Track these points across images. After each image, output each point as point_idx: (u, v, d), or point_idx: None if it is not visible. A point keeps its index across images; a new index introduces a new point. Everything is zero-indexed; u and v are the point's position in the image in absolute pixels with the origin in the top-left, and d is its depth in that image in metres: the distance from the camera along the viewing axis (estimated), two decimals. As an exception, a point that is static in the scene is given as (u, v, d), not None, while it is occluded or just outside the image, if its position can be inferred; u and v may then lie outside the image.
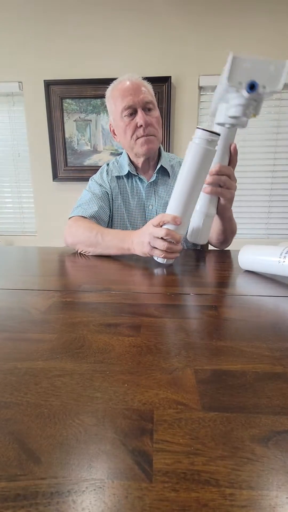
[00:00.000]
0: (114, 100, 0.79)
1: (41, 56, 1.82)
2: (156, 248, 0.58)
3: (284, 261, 0.47)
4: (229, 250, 0.77)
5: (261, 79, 0.39)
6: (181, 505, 0.14)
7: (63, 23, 1.77)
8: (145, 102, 0.77)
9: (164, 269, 0.58)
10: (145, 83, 0.81)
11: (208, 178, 0.60)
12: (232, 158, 0.61)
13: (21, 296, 0.42)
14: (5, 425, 0.18)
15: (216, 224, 0.75)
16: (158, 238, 0.57)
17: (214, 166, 0.58)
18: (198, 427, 0.18)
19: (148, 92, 0.79)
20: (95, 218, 0.82)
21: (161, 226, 0.57)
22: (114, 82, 0.81)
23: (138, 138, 0.79)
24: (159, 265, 0.61)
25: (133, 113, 0.77)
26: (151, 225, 0.58)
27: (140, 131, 0.78)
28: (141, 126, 0.76)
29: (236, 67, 0.40)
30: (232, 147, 0.60)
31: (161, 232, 0.56)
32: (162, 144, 0.92)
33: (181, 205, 0.56)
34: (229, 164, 0.62)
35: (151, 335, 0.30)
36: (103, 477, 0.15)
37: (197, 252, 0.78)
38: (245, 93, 0.40)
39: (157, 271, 0.57)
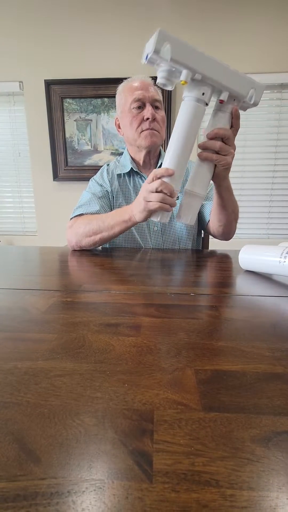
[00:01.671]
0: (125, 94, 0.83)
1: (42, 56, 1.82)
2: (151, 201, 0.59)
3: (284, 261, 0.47)
4: (229, 250, 0.77)
5: (148, 50, 0.48)
6: (182, 506, 0.14)
7: (64, 23, 1.77)
8: (154, 98, 0.81)
9: (164, 269, 0.58)
10: (156, 87, 0.85)
11: (202, 142, 0.58)
12: (233, 122, 0.58)
13: (21, 295, 0.42)
14: (5, 425, 0.18)
15: (215, 202, 0.73)
16: (152, 192, 0.58)
17: (211, 130, 0.57)
18: (199, 428, 0.18)
19: (157, 93, 0.83)
20: None
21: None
22: (127, 79, 0.85)
23: (143, 131, 0.81)
24: (159, 264, 0.61)
25: (141, 106, 0.80)
26: (146, 183, 0.60)
27: (146, 124, 0.80)
28: (147, 119, 0.79)
29: (144, 52, 0.51)
30: (233, 110, 0.57)
31: (154, 184, 0.57)
32: (163, 144, 0.93)
33: (174, 158, 0.56)
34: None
35: (151, 335, 0.30)
36: (103, 478, 0.15)
37: (197, 252, 0.78)
38: (144, 62, 0.50)
39: (157, 270, 0.57)
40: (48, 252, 0.78)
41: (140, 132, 0.82)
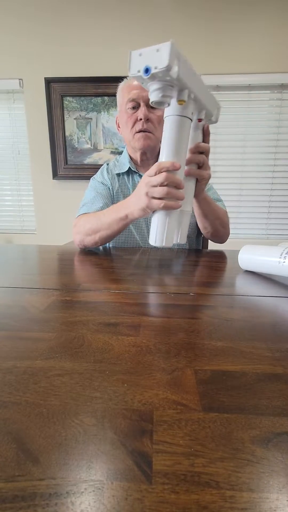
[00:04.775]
0: (123, 93, 0.82)
1: (42, 53, 1.81)
2: (155, 198, 0.52)
3: (284, 262, 0.47)
4: (228, 250, 0.77)
5: (152, 63, 0.44)
6: (181, 507, 0.13)
7: (64, 20, 1.76)
8: (149, 98, 0.77)
9: (164, 269, 0.57)
10: None
11: (188, 156, 0.57)
12: (205, 139, 0.58)
13: (20, 294, 0.42)
14: (3, 424, 0.18)
15: (196, 212, 0.75)
16: (156, 186, 0.51)
17: (190, 145, 0.56)
18: (198, 428, 0.18)
19: None
20: None
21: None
22: (128, 77, 0.83)
23: (137, 132, 0.81)
24: (158, 264, 0.60)
25: (136, 106, 0.79)
26: (147, 175, 0.53)
27: (139, 125, 0.79)
28: (140, 119, 0.78)
29: (133, 60, 0.46)
30: (205, 127, 0.58)
31: (159, 178, 0.50)
32: None
33: (172, 154, 0.51)
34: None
35: (150, 335, 0.30)
36: (102, 478, 0.15)
37: (197, 252, 0.78)
38: (145, 77, 0.45)
39: (157, 270, 0.57)
40: (47, 250, 0.78)
41: (134, 133, 0.81)
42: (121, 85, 0.84)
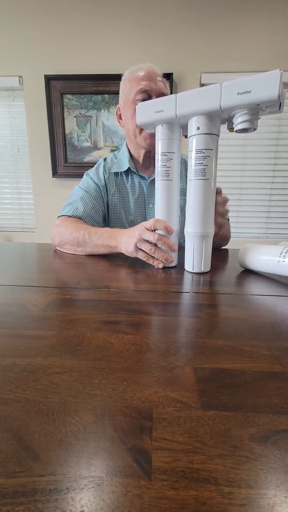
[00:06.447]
0: (130, 83, 0.76)
1: (42, 50, 1.80)
2: (142, 250, 0.57)
3: (284, 261, 0.47)
4: (228, 249, 0.77)
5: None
6: (180, 503, 0.14)
7: (65, 17, 1.76)
8: (161, 92, 0.75)
9: (164, 267, 0.57)
10: (163, 78, 0.78)
11: (219, 209, 0.61)
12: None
13: (20, 292, 0.42)
14: (3, 421, 0.18)
15: None
16: (146, 241, 0.56)
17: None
18: (197, 426, 0.18)
19: (165, 86, 0.77)
20: (85, 218, 0.77)
21: (153, 231, 0.56)
22: (134, 66, 0.78)
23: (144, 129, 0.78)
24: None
25: (146, 99, 0.74)
26: (144, 226, 0.56)
27: None
28: None
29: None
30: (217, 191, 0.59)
31: (151, 236, 0.55)
32: None
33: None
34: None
35: (150, 333, 0.30)
36: (102, 475, 0.15)
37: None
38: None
39: (157, 269, 0.57)
40: (47, 248, 0.78)
41: (141, 130, 0.76)
42: (126, 75, 0.79)
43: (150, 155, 0.84)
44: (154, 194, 0.85)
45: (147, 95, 0.74)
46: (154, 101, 0.52)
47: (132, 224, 0.85)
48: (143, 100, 0.74)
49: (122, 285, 0.45)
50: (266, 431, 0.18)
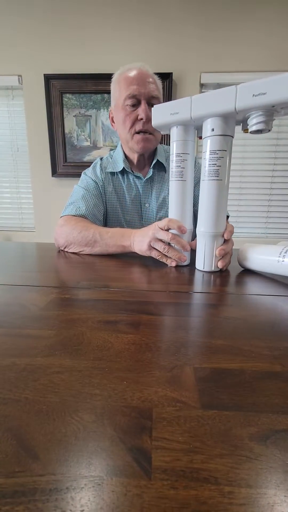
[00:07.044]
0: (119, 86, 0.74)
1: (41, 50, 1.80)
2: (155, 249, 0.58)
3: (283, 260, 0.47)
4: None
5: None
6: (180, 503, 0.14)
7: (64, 16, 1.75)
8: (151, 95, 0.73)
9: (163, 267, 0.58)
10: (156, 77, 0.76)
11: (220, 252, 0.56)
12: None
13: (19, 292, 0.42)
14: (3, 421, 0.18)
15: None
16: (159, 240, 0.57)
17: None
18: (197, 425, 0.18)
19: (156, 87, 0.75)
20: (88, 216, 0.77)
21: (167, 230, 0.57)
22: (124, 66, 0.76)
23: (136, 133, 0.75)
24: (158, 263, 0.61)
25: (136, 104, 0.73)
26: (157, 226, 0.57)
27: (139, 125, 0.74)
28: (141, 119, 0.73)
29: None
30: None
31: (166, 235, 0.56)
32: (161, 141, 0.89)
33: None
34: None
35: (150, 332, 0.30)
36: (102, 474, 0.15)
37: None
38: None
39: (156, 268, 0.57)
40: (46, 248, 0.78)
41: (133, 134, 0.76)
42: (116, 77, 0.76)
43: (144, 157, 0.83)
44: (149, 194, 0.85)
45: (136, 99, 0.73)
46: (170, 103, 0.53)
47: (129, 223, 0.85)
48: (133, 105, 0.73)
49: (121, 285, 0.45)
50: (266, 430, 0.18)
